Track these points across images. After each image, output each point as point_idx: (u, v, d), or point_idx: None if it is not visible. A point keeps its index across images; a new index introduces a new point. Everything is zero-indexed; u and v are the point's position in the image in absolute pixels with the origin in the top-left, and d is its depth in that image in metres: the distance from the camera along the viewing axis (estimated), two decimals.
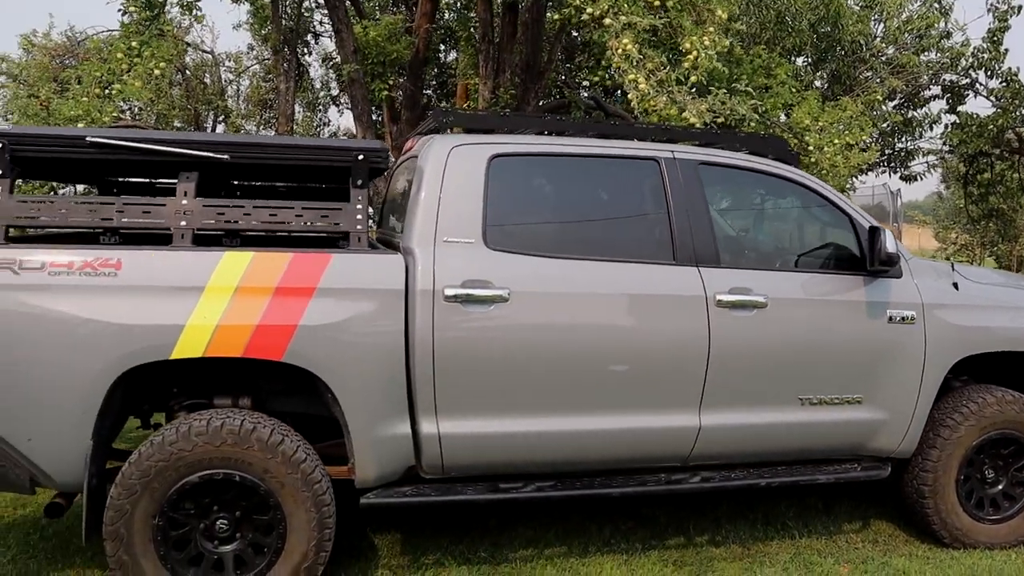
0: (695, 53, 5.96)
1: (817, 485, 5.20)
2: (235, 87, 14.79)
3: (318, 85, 15.32)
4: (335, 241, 3.99)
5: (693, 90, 5.89)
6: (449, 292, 3.68)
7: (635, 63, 5.58)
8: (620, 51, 5.61)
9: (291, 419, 3.80)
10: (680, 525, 4.81)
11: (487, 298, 3.72)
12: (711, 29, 6.19)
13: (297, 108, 14.02)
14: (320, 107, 15.50)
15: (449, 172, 3.84)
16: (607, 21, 5.75)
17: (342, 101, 15.50)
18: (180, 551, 3.53)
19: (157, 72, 6.68)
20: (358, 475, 3.71)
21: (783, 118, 8.85)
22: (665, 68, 5.82)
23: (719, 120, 6.01)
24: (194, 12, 7.36)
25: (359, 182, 3.72)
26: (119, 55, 6.74)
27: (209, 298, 3.45)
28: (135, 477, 3.41)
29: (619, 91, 9.62)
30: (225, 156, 3.59)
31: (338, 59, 14.67)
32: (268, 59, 14.16)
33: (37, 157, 3.53)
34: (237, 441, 3.46)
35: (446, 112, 3.98)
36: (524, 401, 3.82)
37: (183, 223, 3.56)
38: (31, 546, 4.34)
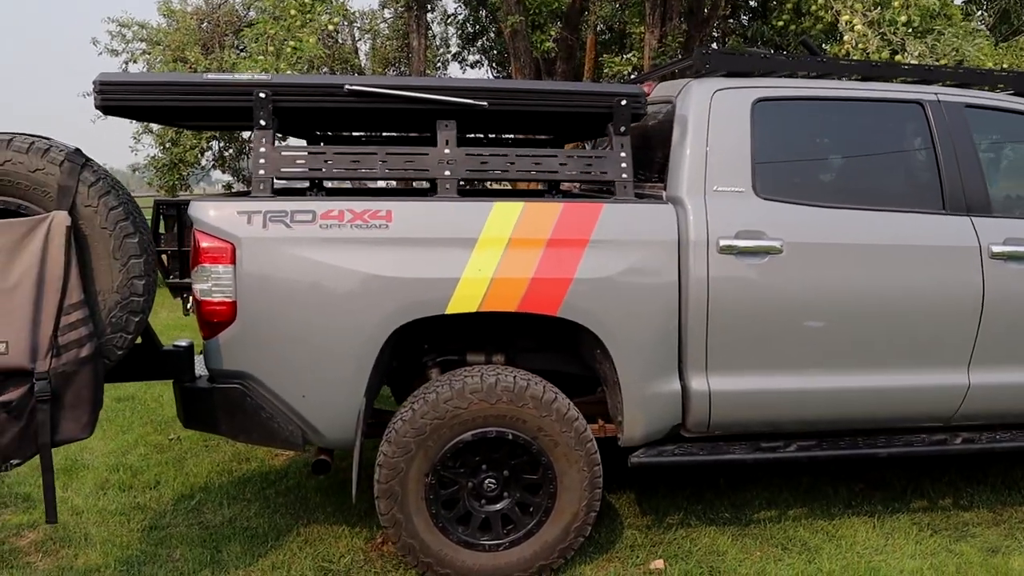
0: None
1: None
2: (365, 45, 14.76)
3: (438, 43, 15.21)
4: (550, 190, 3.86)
5: (909, 30, 5.51)
6: (724, 243, 3.49)
7: (848, 4, 5.23)
8: None
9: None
10: (918, 488, 4.57)
11: (761, 249, 3.52)
12: None
13: None
14: (439, 65, 15.38)
15: (714, 117, 3.63)
16: None
17: (463, 58, 15.41)
18: (449, 510, 3.46)
19: (332, 27, 6.59)
20: (625, 433, 3.57)
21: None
22: (877, 8, 5.46)
23: (942, 61, 5.63)
24: None
25: (622, 128, 3.54)
26: (292, 12, 6.67)
27: (483, 250, 3.33)
28: (410, 435, 3.34)
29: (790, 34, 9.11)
30: (484, 103, 3.45)
31: (460, 16, 14.59)
32: (392, 17, 14.08)
33: (295, 107, 3.45)
34: (512, 399, 3.35)
35: (708, 54, 3.75)
36: (793, 357, 3.62)
37: (447, 172, 3.44)
38: (270, 501, 4.36)
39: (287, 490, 4.51)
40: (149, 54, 11.66)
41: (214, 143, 12.25)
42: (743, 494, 4.45)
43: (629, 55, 9.61)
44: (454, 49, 15.49)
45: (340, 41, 12.65)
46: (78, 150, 2.98)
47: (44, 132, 3.02)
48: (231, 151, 12.98)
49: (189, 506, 4.30)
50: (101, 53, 12.16)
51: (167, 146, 11.08)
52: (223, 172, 13.60)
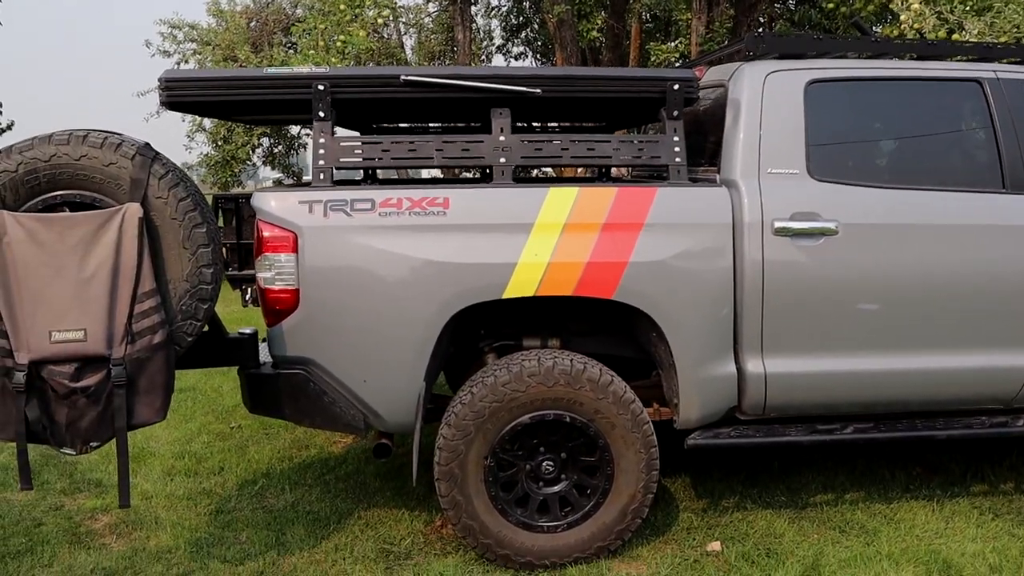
0: None
1: None
2: (410, 39, 14.89)
3: (481, 35, 15.30)
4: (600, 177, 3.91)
5: (967, 8, 5.42)
6: (779, 225, 3.49)
7: None
8: None
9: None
10: (978, 472, 4.52)
11: (816, 231, 3.52)
12: None
13: None
14: (484, 57, 15.45)
15: (767, 100, 3.63)
16: None
17: (507, 50, 15.49)
18: (508, 492, 3.52)
19: (380, 21, 6.68)
20: (681, 416, 3.60)
21: None
22: None
23: (1003, 39, 5.52)
24: None
25: (675, 113, 3.56)
26: (342, 6, 6.77)
27: (539, 235, 3.38)
28: (469, 418, 3.40)
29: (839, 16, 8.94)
30: (538, 90, 3.49)
31: (504, 8, 14.64)
32: (437, 11, 14.19)
33: (352, 99, 3.52)
34: (569, 381, 3.40)
35: (760, 37, 3.75)
36: (850, 338, 3.61)
37: (502, 159, 3.49)
38: (330, 486, 4.46)
39: (347, 476, 4.61)
40: (200, 54, 11.89)
41: (264, 140, 12.47)
42: (798, 477, 4.45)
43: (676, 42, 9.56)
44: (498, 41, 15.59)
45: (386, 36, 12.80)
46: (148, 144, 3.09)
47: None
48: (280, 148, 13.19)
49: (252, 491, 4.42)
50: (154, 55, 12.42)
51: (219, 144, 11.30)
52: (272, 169, 13.83)
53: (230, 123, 11.10)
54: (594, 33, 9.20)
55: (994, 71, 3.86)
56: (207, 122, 11.34)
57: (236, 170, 11.58)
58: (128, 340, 2.98)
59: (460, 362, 4.26)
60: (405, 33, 14.32)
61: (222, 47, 11.19)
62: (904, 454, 4.75)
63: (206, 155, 11.75)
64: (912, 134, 3.84)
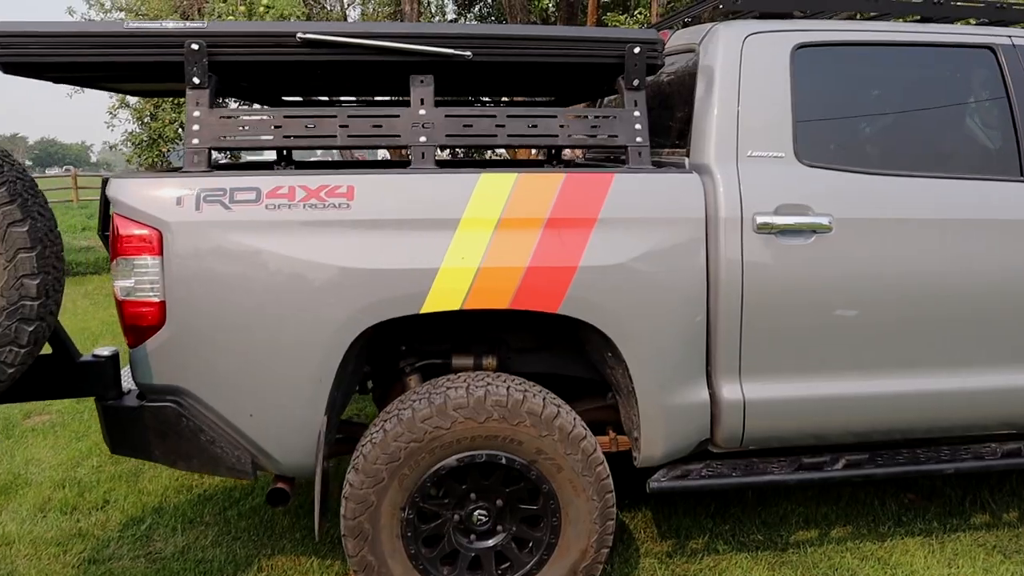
0: None
1: None
2: (355, 11, 14.01)
3: (433, 9, 14.49)
4: (549, 160, 3.24)
5: None
6: (761, 220, 2.85)
7: None
8: None
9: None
10: (976, 499, 3.97)
11: (806, 227, 2.89)
12: None
13: None
14: None
15: (746, 68, 2.98)
16: None
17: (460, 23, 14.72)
18: (431, 548, 2.86)
19: None
20: (643, 452, 2.96)
21: None
22: None
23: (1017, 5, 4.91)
24: None
25: (635, 82, 2.90)
26: None
27: (466, 233, 2.70)
28: (381, 461, 2.72)
29: None
30: (468, 53, 2.82)
31: None
32: None
33: (237, 61, 2.82)
34: (505, 416, 2.73)
35: None
36: (846, 356, 3.00)
37: (422, 138, 2.81)
38: (231, 525, 3.77)
39: (251, 511, 3.91)
40: (124, 21, 11.00)
41: None
42: (775, 510, 3.85)
43: (636, 13, 8.89)
44: (450, 16, 14.78)
45: (328, 7, 11.94)
46: None
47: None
48: None
49: (138, 532, 3.71)
50: None
51: (145, 121, 10.43)
52: None
53: (157, 99, 10.25)
54: (546, 2, 8.49)
55: (1009, 36, 3.26)
56: (131, 97, 10.48)
57: (164, 149, 10.71)
58: None
59: (387, 380, 3.58)
60: (349, 4, 13.48)
61: (149, 16, 10.31)
62: (893, 480, 4.17)
63: (131, 133, 10.87)
64: (915, 110, 3.21)
